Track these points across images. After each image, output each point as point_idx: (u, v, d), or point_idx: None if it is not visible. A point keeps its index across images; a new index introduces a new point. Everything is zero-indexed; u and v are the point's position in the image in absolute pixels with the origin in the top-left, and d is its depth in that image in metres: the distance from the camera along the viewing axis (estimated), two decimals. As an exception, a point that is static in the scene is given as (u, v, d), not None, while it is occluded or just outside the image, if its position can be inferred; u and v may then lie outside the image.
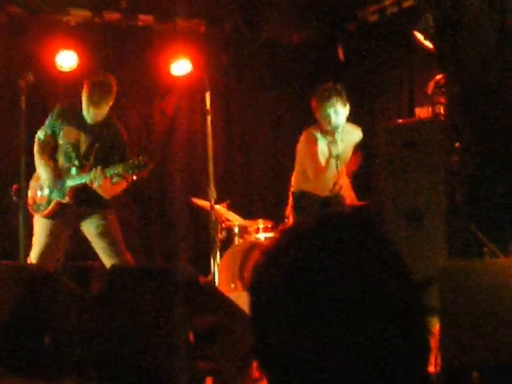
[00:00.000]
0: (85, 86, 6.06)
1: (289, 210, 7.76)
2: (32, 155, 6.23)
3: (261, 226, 7.80)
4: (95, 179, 5.86)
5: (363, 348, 1.15)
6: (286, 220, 7.80)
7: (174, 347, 3.32)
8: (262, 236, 7.71)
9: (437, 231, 6.65)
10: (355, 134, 6.43)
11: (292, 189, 6.62)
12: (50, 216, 6.15)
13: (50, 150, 6.22)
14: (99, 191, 5.99)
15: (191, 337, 3.41)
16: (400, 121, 7.06)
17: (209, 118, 6.26)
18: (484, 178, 6.75)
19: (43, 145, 6.23)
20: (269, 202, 8.79)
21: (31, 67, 6.69)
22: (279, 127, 9.43)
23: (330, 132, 6.13)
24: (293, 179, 6.82)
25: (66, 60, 8.00)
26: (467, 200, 6.72)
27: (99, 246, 6.19)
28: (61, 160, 6.18)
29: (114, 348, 3.47)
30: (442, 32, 7.41)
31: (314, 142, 6.20)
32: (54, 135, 6.22)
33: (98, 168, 5.86)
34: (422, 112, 7.38)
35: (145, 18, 8.61)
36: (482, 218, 6.52)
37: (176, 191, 8.66)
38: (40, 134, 6.28)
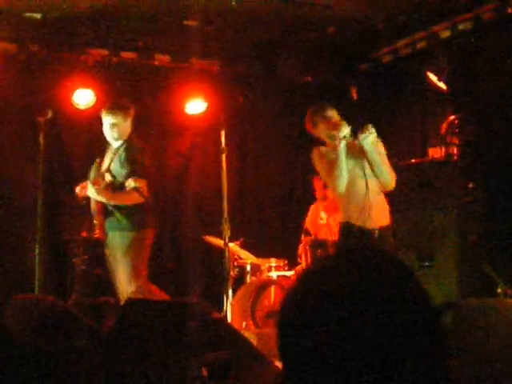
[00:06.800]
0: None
1: (301, 249, 7.75)
2: (48, 190, 6.28)
3: (273, 264, 7.80)
4: (90, 192, 5.97)
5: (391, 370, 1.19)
6: (299, 259, 7.79)
7: (186, 383, 3.32)
8: (274, 274, 7.70)
9: (448, 270, 6.65)
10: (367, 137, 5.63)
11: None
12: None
13: None
14: (104, 201, 6.00)
15: (204, 372, 3.41)
16: (413, 161, 7.08)
17: (224, 156, 6.27)
18: (497, 219, 6.75)
19: None
20: (282, 240, 8.79)
21: (49, 104, 6.78)
22: (293, 167, 9.47)
23: (334, 133, 5.51)
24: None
25: (83, 98, 8.11)
26: (480, 240, 6.72)
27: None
28: None
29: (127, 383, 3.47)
30: (456, 73, 7.48)
31: (322, 153, 5.67)
32: None
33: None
34: (435, 152, 7.41)
35: (161, 58, 8.71)
36: (495, 258, 6.51)
37: (189, 229, 8.68)
38: None
